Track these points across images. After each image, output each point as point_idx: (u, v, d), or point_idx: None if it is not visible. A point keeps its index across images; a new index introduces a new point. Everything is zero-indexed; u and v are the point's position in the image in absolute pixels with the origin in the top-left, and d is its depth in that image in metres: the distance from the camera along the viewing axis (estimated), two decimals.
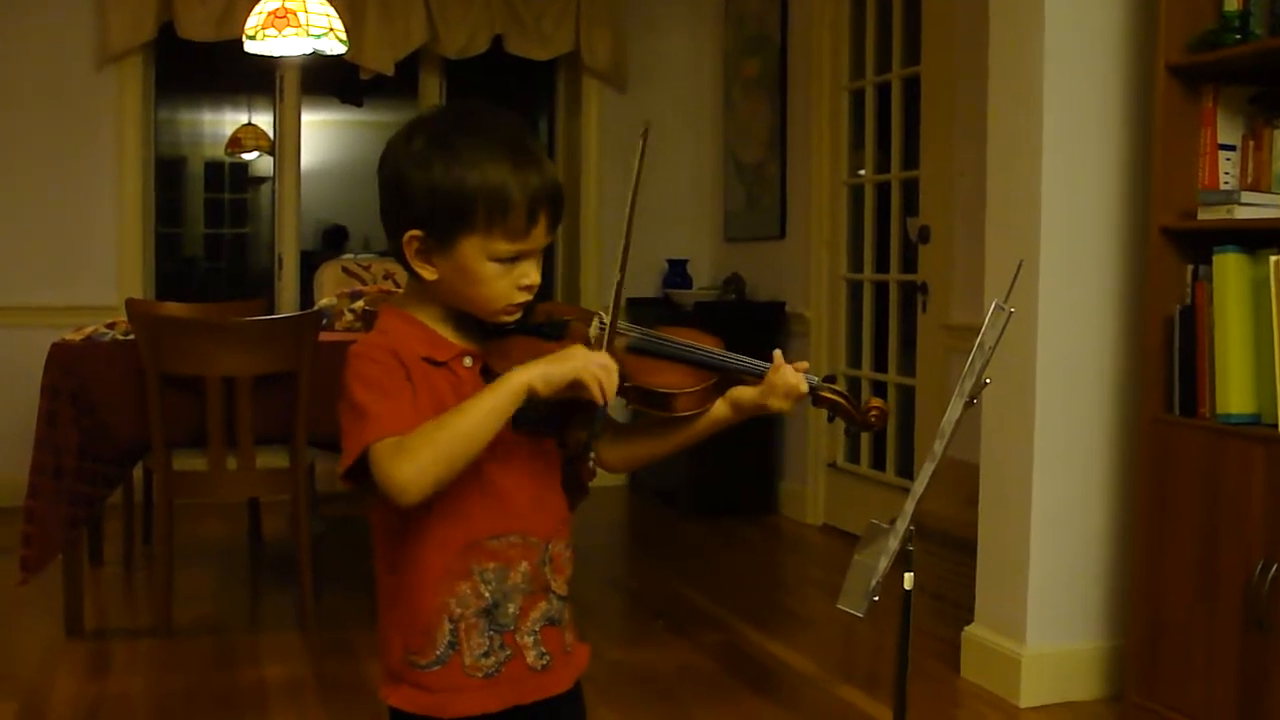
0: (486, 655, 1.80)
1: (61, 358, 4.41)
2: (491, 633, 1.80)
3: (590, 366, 1.72)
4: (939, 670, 4.16)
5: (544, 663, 1.85)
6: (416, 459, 1.66)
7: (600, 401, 1.72)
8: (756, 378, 1.91)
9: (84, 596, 4.57)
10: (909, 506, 1.94)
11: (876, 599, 1.93)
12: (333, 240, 11.83)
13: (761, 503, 6.80)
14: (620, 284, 1.83)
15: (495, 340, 1.83)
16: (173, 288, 8.26)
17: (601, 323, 1.86)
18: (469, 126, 1.78)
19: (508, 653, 1.81)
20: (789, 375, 1.89)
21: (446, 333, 1.82)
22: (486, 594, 1.79)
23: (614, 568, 5.78)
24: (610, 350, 1.78)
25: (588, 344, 1.81)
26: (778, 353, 1.92)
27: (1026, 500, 3.88)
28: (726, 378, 1.90)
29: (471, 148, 1.74)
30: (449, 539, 1.78)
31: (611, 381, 1.73)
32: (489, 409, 1.69)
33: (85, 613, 4.57)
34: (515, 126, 1.81)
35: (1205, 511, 3.38)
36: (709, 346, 1.92)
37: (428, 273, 1.78)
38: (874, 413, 1.93)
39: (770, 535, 6.40)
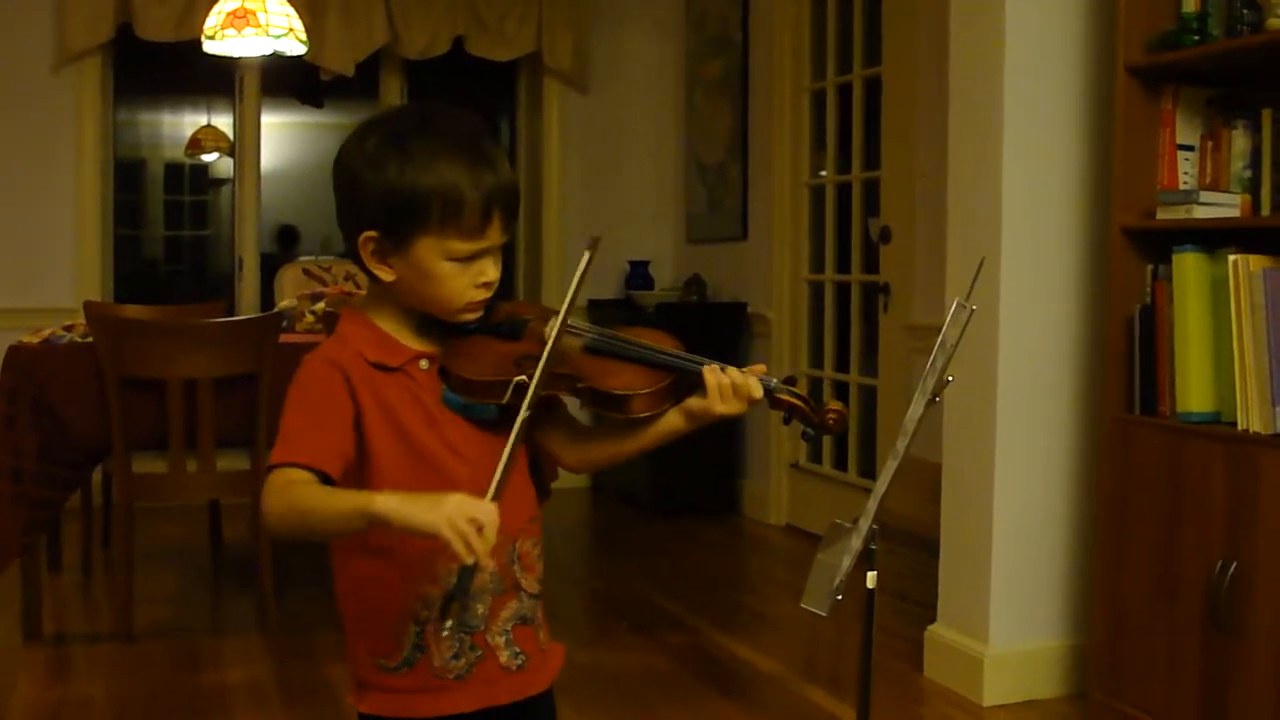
0: (457, 657, 1.79)
1: (19, 360, 4.37)
2: (461, 634, 1.79)
3: (457, 520, 1.53)
4: (902, 669, 4.17)
5: (519, 662, 1.84)
6: (280, 508, 1.66)
7: (466, 560, 1.54)
8: None
9: (43, 601, 4.54)
10: (872, 505, 1.94)
11: (840, 598, 1.92)
12: (285, 241, 11.77)
13: (724, 503, 6.81)
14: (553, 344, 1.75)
15: (453, 341, 1.82)
16: (132, 290, 8.20)
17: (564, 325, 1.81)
18: (422, 127, 1.77)
19: (478, 653, 1.81)
20: (735, 375, 1.84)
21: (406, 335, 1.82)
22: None
23: (577, 569, 5.77)
24: (499, 499, 1.61)
25: (542, 341, 1.76)
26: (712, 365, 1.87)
27: (988, 499, 3.89)
28: (683, 378, 1.86)
29: (424, 148, 1.73)
30: (412, 542, 1.75)
31: (483, 541, 1.54)
32: (337, 514, 1.64)
33: (44, 617, 4.53)
34: (469, 126, 1.79)
35: (1166, 510, 3.40)
36: (668, 347, 1.88)
37: (385, 274, 1.77)
38: (832, 415, 1.88)
39: (733, 536, 6.41)
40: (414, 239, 1.74)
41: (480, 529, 1.54)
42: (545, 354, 1.72)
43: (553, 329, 1.74)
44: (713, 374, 1.83)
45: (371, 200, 1.74)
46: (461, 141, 1.75)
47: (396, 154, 1.73)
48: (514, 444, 1.67)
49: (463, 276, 1.76)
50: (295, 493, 1.66)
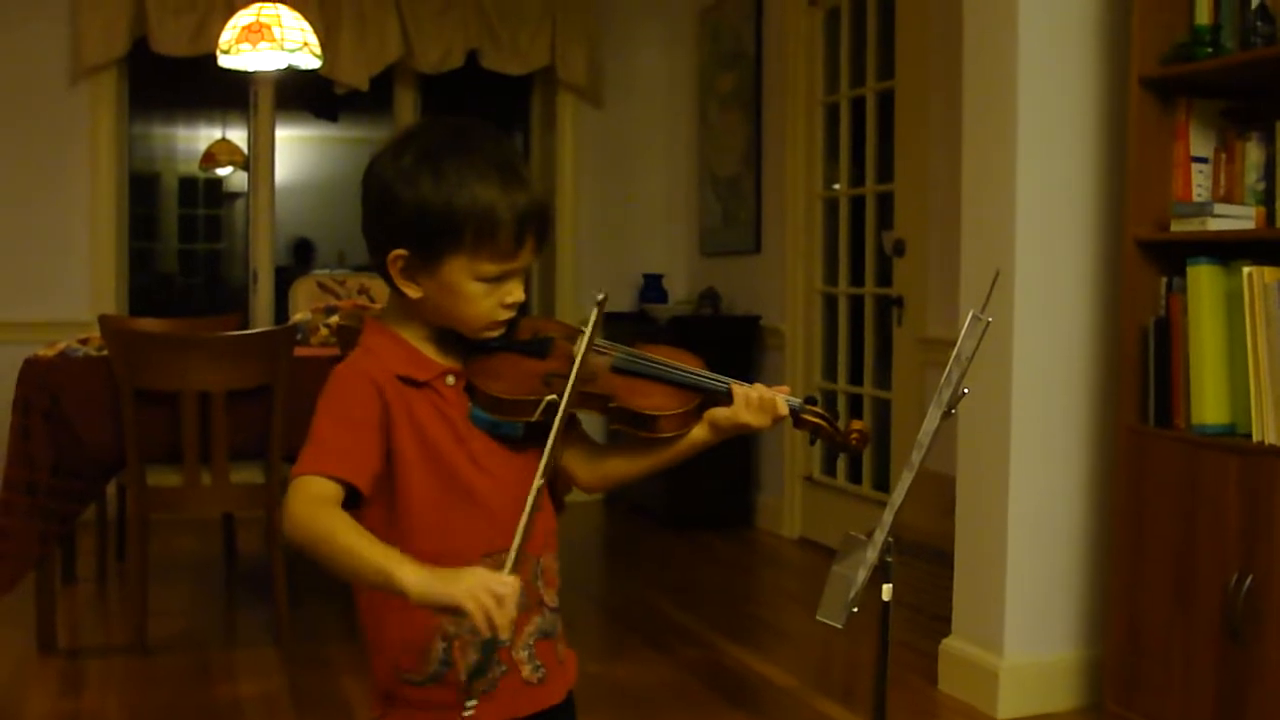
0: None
1: (34, 373, 4.38)
2: (488, 651, 1.79)
3: (478, 593, 1.54)
4: (917, 682, 4.16)
5: (540, 676, 1.85)
6: (305, 523, 1.65)
7: (486, 634, 1.55)
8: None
9: (57, 613, 4.54)
10: (887, 517, 1.94)
11: (855, 610, 1.92)
12: (301, 255, 11.80)
13: (738, 516, 6.80)
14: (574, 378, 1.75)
15: (480, 358, 1.81)
16: (147, 303, 8.23)
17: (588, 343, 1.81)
18: (458, 144, 1.75)
19: (503, 668, 1.80)
20: (762, 390, 1.88)
21: (429, 350, 1.81)
22: None
23: (590, 582, 5.76)
24: (517, 570, 1.61)
25: (569, 360, 1.77)
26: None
27: (1003, 511, 3.89)
28: (709, 399, 1.90)
29: (460, 166, 1.72)
30: (440, 560, 1.74)
31: (504, 615, 1.55)
32: (360, 564, 1.62)
33: (58, 630, 4.54)
34: (503, 145, 1.79)
35: (1181, 522, 3.39)
36: (691, 366, 1.91)
37: (412, 291, 1.77)
38: (855, 435, 1.94)
39: (747, 549, 6.40)
40: (445, 258, 1.73)
41: (501, 601, 1.55)
42: (572, 377, 1.73)
43: (577, 352, 1.74)
44: (741, 387, 1.88)
45: (404, 218, 1.73)
46: (496, 161, 1.75)
47: (431, 172, 1.72)
48: (535, 495, 1.66)
49: (491, 297, 1.76)
50: (326, 519, 1.64)
